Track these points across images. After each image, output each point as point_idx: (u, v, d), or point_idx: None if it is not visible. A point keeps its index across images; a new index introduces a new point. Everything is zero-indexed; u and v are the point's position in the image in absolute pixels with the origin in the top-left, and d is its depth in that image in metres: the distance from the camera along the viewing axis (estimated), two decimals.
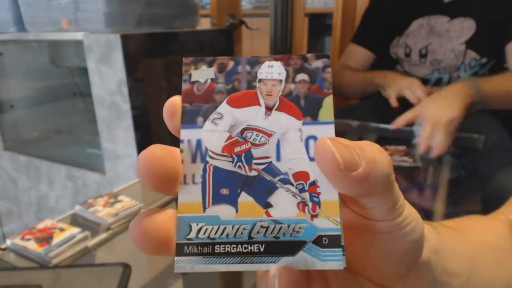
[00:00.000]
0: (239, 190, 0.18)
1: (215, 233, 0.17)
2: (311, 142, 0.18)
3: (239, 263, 0.17)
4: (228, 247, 0.17)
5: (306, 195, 0.17)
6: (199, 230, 0.17)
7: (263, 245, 0.17)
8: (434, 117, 0.82)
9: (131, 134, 1.07)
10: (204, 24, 1.42)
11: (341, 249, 0.17)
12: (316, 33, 2.52)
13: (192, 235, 0.17)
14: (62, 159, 1.31)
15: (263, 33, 1.68)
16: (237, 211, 0.17)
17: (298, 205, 0.17)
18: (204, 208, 0.17)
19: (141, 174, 0.17)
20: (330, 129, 0.18)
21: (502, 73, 1.02)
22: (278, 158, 0.18)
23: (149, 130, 1.11)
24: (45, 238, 0.59)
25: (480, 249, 0.27)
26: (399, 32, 1.22)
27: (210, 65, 0.19)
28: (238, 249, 0.17)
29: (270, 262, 0.17)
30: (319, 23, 2.50)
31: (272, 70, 0.18)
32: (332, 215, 0.17)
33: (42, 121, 1.56)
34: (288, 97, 0.18)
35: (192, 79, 0.19)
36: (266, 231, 0.17)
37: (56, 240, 0.59)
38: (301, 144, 0.18)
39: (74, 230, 0.61)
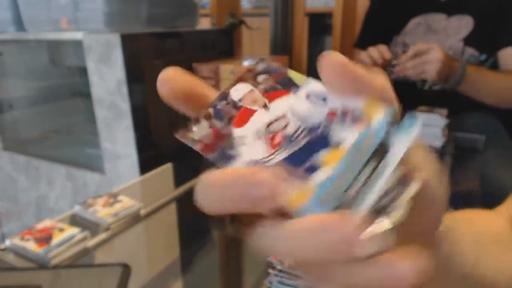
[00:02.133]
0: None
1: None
2: (311, 96, 0.19)
3: None
4: None
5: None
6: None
7: None
8: (424, 47, 0.96)
9: (130, 134, 1.07)
10: (204, 23, 1.42)
11: None
12: (316, 33, 2.52)
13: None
14: (61, 159, 1.31)
15: (263, 33, 1.68)
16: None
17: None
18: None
19: (160, 90, 0.20)
20: (315, 83, 0.19)
21: (497, 70, 1.05)
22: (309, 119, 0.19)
23: (148, 130, 1.11)
24: (45, 239, 0.59)
25: (485, 239, 0.27)
26: (397, 30, 1.23)
27: (197, 121, 0.20)
28: None
29: None
30: (319, 23, 2.50)
31: (241, 89, 0.20)
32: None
33: (42, 121, 1.56)
34: (268, 92, 0.20)
35: (197, 138, 0.19)
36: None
37: (56, 240, 0.59)
38: (308, 102, 0.19)
39: (74, 230, 0.61)
